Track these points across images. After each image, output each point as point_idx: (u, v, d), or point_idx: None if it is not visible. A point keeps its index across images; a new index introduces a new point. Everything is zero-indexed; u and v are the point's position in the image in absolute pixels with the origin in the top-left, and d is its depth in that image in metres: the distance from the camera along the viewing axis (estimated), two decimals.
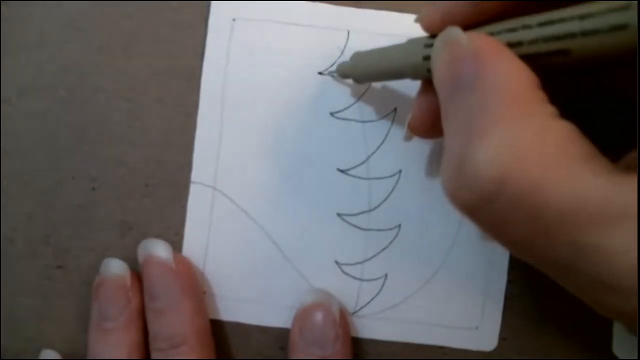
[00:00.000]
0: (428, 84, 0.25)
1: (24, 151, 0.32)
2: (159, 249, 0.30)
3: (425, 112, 0.26)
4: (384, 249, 0.31)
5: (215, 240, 0.31)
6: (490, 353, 0.31)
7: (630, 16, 0.17)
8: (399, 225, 0.31)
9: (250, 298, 0.31)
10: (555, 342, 0.31)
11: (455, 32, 0.21)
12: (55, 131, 0.32)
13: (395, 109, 0.31)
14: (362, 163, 0.31)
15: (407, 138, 0.27)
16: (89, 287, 0.31)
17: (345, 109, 0.31)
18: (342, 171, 0.31)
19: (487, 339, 0.31)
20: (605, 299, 0.18)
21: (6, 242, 0.32)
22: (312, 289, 0.31)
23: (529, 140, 0.18)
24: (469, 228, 0.31)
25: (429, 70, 0.24)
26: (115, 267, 0.31)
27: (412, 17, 0.30)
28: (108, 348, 0.29)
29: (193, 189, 0.31)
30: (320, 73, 0.31)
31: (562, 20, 0.19)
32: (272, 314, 0.31)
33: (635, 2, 0.17)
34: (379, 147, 0.31)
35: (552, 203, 0.17)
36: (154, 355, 0.29)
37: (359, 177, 0.31)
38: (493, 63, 0.19)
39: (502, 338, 0.31)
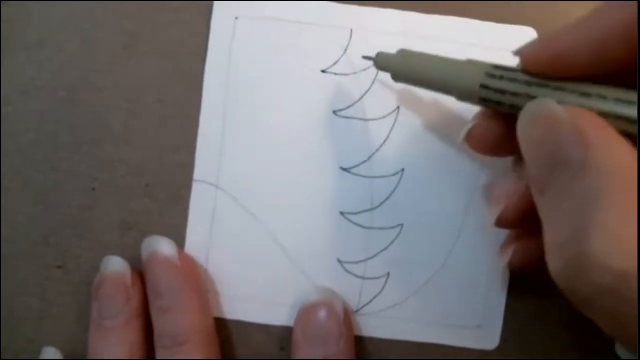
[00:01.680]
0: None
1: (24, 151, 0.32)
2: (163, 246, 0.30)
3: (489, 134, 0.26)
4: (386, 248, 0.31)
5: (217, 238, 0.31)
6: (491, 352, 0.31)
7: None
8: (402, 224, 0.31)
9: (253, 296, 0.31)
10: (557, 342, 0.32)
11: (552, 106, 0.20)
12: (55, 131, 0.32)
13: (397, 108, 0.31)
14: (365, 161, 0.31)
15: (460, 142, 0.26)
16: (89, 287, 0.31)
17: (347, 107, 0.31)
18: (344, 169, 0.31)
19: (488, 337, 0.31)
20: None
21: (6, 242, 0.32)
22: (315, 287, 0.31)
23: None
24: (471, 227, 0.31)
25: (481, 100, 0.23)
26: (116, 265, 0.30)
27: (415, 15, 0.31)
28: (108, 347, 0.29)
29: (195, 187, 0.31)
30: (323, 71, 0.31)
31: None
32: (275, 312, 0.31)
33: None
34: (381, 145, 0.31)
35: None
36: (158, 352, 0.29)
37: (362, 176, 0.31)
38: (602, 145, 0.19)
39: (503, 339, 0.31)
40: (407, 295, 0.31)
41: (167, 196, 0.32)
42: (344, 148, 0.31)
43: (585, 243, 0.18)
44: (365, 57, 0.29)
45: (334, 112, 0.31)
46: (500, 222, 0.26)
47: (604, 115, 0.19)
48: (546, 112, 0.20)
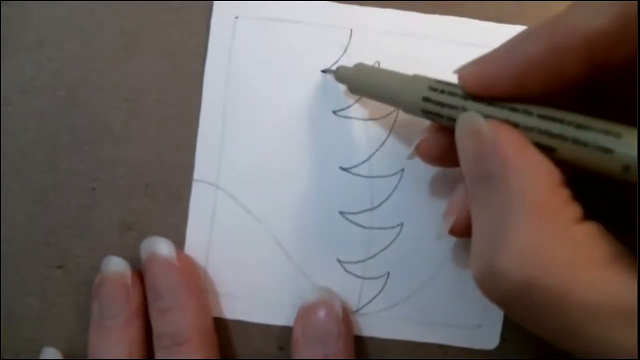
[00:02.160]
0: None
1: (24, 151, 0.32)
2: (162, 247, 0.30)
3: (437, 145, 0.27)
4: (386, 248, 0.31)
5: (217, 238, 0.31)
6: (491, 352, 0.31)
7: (618, 144, 0.18)
8: (401, 224, 0.31)
9: (252, 296, 0.31)
10: None
11: (477, 120, 0.22)
12: (55, 131, 0.32)
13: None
14: (365, 161, 0.31)
15: (411, 157, 0.28)
16: (89, 287, 0.31)
17: (347, 107, 0.31)
18: (344, 169, 0.31)
19: (489, 337, 0.31)
20: None
21: (6, 242, 0.32)
22: (315, 287, 0.31)
23: (551, 248, 0.19)
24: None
25: (423, 112, 0.25)
26: (116, 265, 0.30)
27: (415, 15, 0.31)
28: (109, 347, 0.29)
29: (195, 187, 0.31)
30: (323, 71, 0.31)
31: (561, 121, 0.20)
32: (274, 312, 0.31)
33: (629, 137, 0.18)
34: (381, 145, 0.31)
35: (575, 306, 0.18)
36: (157, 353, 0.29)
37: (361, 176, 0.31)
38: (516, 162, 0.20)
39: (503, 339, 0.31)
40: (407, 295, 0.31)
41: (167, 196, 0.32)
42: (344, 148, 0.31)
43: (494, 256, 0.20)
44: (325, 71, 0.31)
45: (334, 112, 0.31)
46: (453, 232, 0.27)
47: (529, 129, 0.21)
48: (473, 126, 0.22)
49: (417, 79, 0.25)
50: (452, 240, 0.31)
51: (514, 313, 0.21)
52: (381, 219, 0.31)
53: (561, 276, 0.18)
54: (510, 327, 0.31)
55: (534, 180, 0.20)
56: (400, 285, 0.31)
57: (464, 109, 0.23)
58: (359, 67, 0.29)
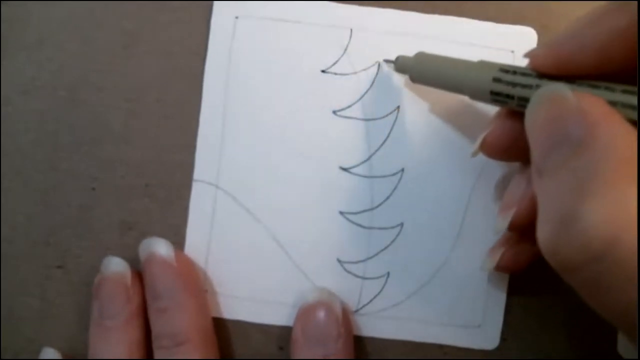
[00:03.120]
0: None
1: (24, 151, 0.32)
2: (161, 248, 0.30)
3: (505, 135, 0.26)
4: (386, 248, 0.31)
5: (217, 238, 0.31)
6: (491, 352, 0.31)
7: None
8: (402, 224, 0.31)
9: (252, 296, 0.31)
10: (557, 341, 0.32)
11: (562, 88, 0.21)
12: (55, 131, 0.32)
13: (397, 107, 0.31)
14: (365, 161, 0.31)
15: (475, 154, 0.27)
16: (89, 287, 0.31)
17: (347, 107, 0.31)
18: (344, 169, 0.31)
19: (489, 337, 0.31)
20: None
21: (6, 242, 0.32)
22: (314, 288, 0.31)
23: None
24: (471, 226, 0.31)
25: (492, 94, 0.24)
26: (116, 265, 0.30)
27: (415, 15, 0.31)
28: (109, 346, 0.29)
29: (195, 187, 0.31)
30: (323, 71, 0.31)
31: None
32: (274, 312, 0.31)
33: None
34: (381, 145, 0.31)
35: None
36: (156, 353, 0.29)
37: (362, 176, 0.31)
38: (604, 125, 0.19)
39: (503, 338, 0.31)
40: (407, 295, 0.31)
41: (167, 196, 0.32)
42: (344, 148, 0.31)
43: (578, 210, 0.19)
44: (386, 61, 0.31)
45: (334, 112, 0.31)
46: (513, 226, 0.27)
47: (612, 104, 0.20)
48: (555, 94, 0.21)
49: (484, 63, 0.25)
50: (452, 240, 0.31)
51: (583, 279, 0.19)
52: (381, 219, 0.31)
53: None
54: (510, 327, 0.31)
55: (625, 140, 0.19)
56: (401, 285, 0.31)
57: (538, 87, 0.22)
58: (420, 55, 0.29)
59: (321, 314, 0.30)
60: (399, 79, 0.31)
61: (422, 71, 0.28)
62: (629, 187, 0.18)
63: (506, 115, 0.26)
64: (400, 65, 0.30)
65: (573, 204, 0.19)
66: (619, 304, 0.19)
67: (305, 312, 0.30)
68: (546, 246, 0.20)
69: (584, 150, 0.19)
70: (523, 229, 0.27)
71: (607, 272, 0.18)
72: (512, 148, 0.27)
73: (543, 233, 0.20)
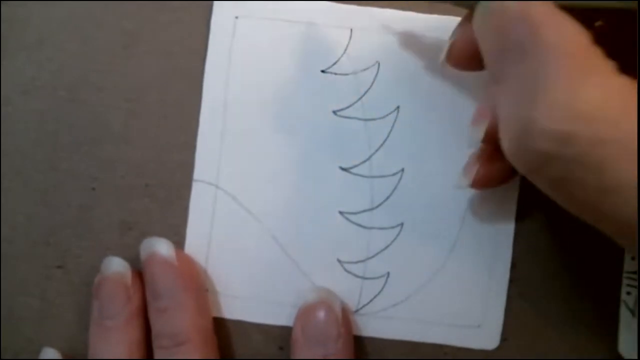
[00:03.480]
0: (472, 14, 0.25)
1: (24, 151, 0.32)
2: (161, 247, 0.30)
3: (467, 44, 0.26)
4: (386, 247, 0.31)
5: (217, 238, 0.31)
6: (491, 352, 0.31)
7: None
8: (402, 224, 0.31)
9: (252, 296, 0.31)
10: (557, 341, 0.31)
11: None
12: (55, 131, 0.32)
13: (397, 107, 0.31)
14: (365, 161, 0.31)
15: (442, 64, 0.27)
16: (89, 287, 0.31)
17: (348, 107, 0.31)
18: (344, 169, 0.31)
19: (489, 337, 0.31)
20: None
21: (6, 242, 0.32)
22: (314, 287, 0.31)
23: (592, 100, 0.18)
24: (471, 226, 0.31)
25: None
26: (116, 265, 0.30)
27: (415, 14, 0.31)
28: (109, 346, 0.29)
29: (195, 187, 0.31)
30: (323, 71, 0.31)
31: None
32: (274, 312, 0.31)
33: None
34: (381, 145, 0.31)
35: (618, 157, 0.18)
36: (156, 353, 0.29)
37: (362, 175, 0.31)
38: (546, 25, 0.19)
39: (503, 338, 0.31)
40: (407, 295, 0.31)
41: (167, 196, 0.32)
42: (344, 148, 0.31)
43: (531, 111, 0.19)
44: None
45: (334, 112, 0.31)
46: (488, 137, 0.26)
47: (560, 7, 0.20)
48: (497, 4, 0.21)
49: None
50: (452, 240, 0.31)
51: (546, 177, 0.20)
52: (381, 219, 0.31)
53: (601, 127, 0.18)
54: (510, 327, 0.31)
55: (571, 35, 0.19)
56: (400, 285, 0.31)
57: None
58: None
59: (321, 314, 0.30)
60: (399, 78, 0.31)
61: None
62: (580, 80, 0.18)
63: (466, 23, 0.26)
64: None
65: (527, 108, 0.19)
66: (583, 196, 0.19)
67: (306, 312, 0.30)
68: (509, 154, 0.21)
69: (530, 54, 0.20)
70: (497, 141, 0.27)
71: (567, 168, 0.19)
72: (477, 56, 0.26)
73: (505, 142, 0.21)
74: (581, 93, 0.18)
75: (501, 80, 0.21)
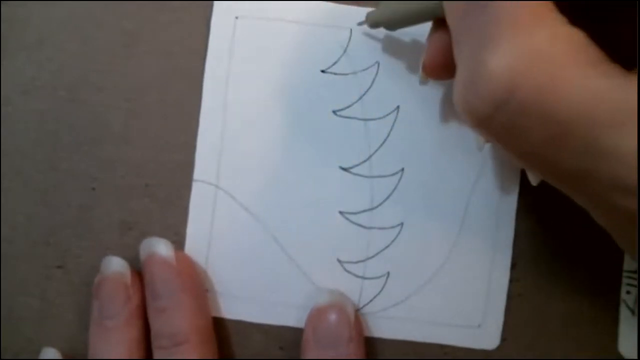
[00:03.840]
0: (439, 22, 0.25)
1: (24, 151, 0.32)
2: (161, 247, 0.30)
3: (438, 51, 0.26)
4: (386, 247, 0.31)
5: (217, 238, 0.31)
6: (491, 352, 0.31)
7: None
8: (402, 224, 0.31)
9: (252, 296, 0.31)
10: (557, 341, 0.32)
11: None
12: (55, 131, 0.32)
13: (397, 107, 0.31)
14: (365, 161, 0.31)
15: (422, 81, 0.27)
16: (89, 287, 0.31)
17: (347, 107, 0.31)
18: (344, 169, 0.31)
19: (489, 337, 0.31)
20: (618, 201, 0.18)
21: (6, 242, 0.32)
22: (327, 289, 0.31)
23: (539, 45, 0.18)
24: (471, 226, 0.31)
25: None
26: (116, 265, 0.30)
27: None
28: (109, 346, 0.29)
29: (195, 187, 0.31)
30: (323, 71, 0.31)
31: None
32: (274, 312, 0.31)
33: None
34: (381, 145, 0.31)
35: (564, 105, 0.18)
36: (156, 353, 0.29)
37: (362, 175, 0.31)
38: None
39: (503, 338, 0.31)
40: (407, 295, 0.31)
41: (167, 196, 0.32)
42: (344, 148, 0.31)
43: (480, 60, 0.19)
44: (359, 24, 0.30)
45: (334, 112, 0.31)
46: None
47: None
48: None
49: None
50: (452, 240, 0.31)
51: (495, 128, 0.20)
52: (381, 219, 0.31)
53: (549, 70, 0.18)
54: (510, 327, 0.31)
55: None
56: (401, 285, 0.31)
57: None
58: (383, 2, 0.28)
59: (333, 316, 0.30)
60: (399, 78, 0.31)
61: (388, 15, 0.28)
62: (530, 30, 0.18)
63: (434, 32, 0.26)
64: (371, 20, 0.29)
65: (477, 57, 0.19)
66: (530, 145, 0.19)
67: (317, 314, 0.30)
68: (458, 104, 0.21)
69: (486, 8, 0.20)
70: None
71: (515, 116, 0.19)
72: (450, 63, 0.26)
73: (455, 93, 0.21)
74: (526, 40, 0.18)
75: (461, 38, 0.21)
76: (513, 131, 0.19)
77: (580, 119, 0.18)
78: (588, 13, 0.22)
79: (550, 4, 0.19)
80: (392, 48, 0.31)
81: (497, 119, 0.19)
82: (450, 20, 0.22)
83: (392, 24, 0.28)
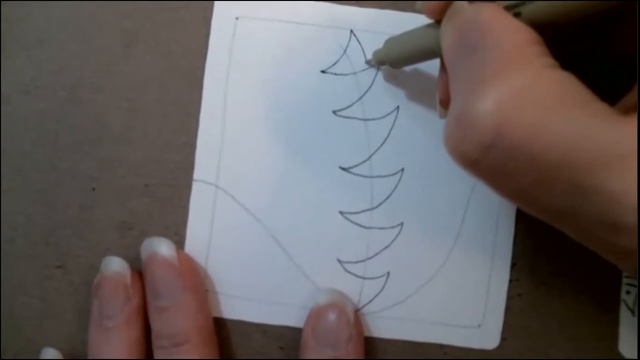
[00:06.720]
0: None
1: (24, 151, 0.32)
2: (162, 247, 0.30)
3: (447, 87, 0.26)
4: (386, 247, 0.31)
5: (217, 238, 0.31)
6: (491, 352, 0.31)
7: None
8: (402, 224, 0.31)
9: (253, 296, 0.31)
10: (557, 341, 0.32)
11: (460, 4, 0.22)
12: (55, 131, 0.32)
13: (397, 107, 0.31)
14: (365, 161, 0.31)
15: (442, 115, 0.27)
16: (89, 287, 0.31)
17: (347, 107, 0.31)
18: (344, 169, 0.31)
19: (489, 337, 0.31)
20: (609, 239, 0.18)
21: (6, 242, 0.32)
22: (326, 289, 0.31)
23: (523, 88, 0.19)
24: (472, 226, 0.31)
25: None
26: (116, 265, 0.30)
27: (414, 16, 0.31)
28: (108, 346, 0.29)
29: (195, 187, 0.31)
30: (323, 71, 0.31)
31: None
32: (274, 312, 0.31)
33: None
34: (381, 145, 0.31)
35: (550, 147, 0.18)
36: (156, 353, 0.29)
37: (362, 175, 0.31)
38: (492, 26, 0.20)
39: (503, 338, 0.31)
40: (407, 295, 0.31)
41: (167, 196, 0.32)
42: (344, 148, 0.31)
43: (468, 104, 0.19)
44: (367, 62, 0.31)
45: (334, 112, 0.31)
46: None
47: (507, 8, 0.21)
48: (455, 7, 0.22)
49: (429, 25, 0.26)
50: (452, 240, 0.31)
51: (483, 170, 0.20)
52: (381, 218, 0.31)
53: (533, 114, 0.18)
54: (510, 327, 0.31)
55: (511, 35, 0.20)
56: (401, 285, 0.31)
57: None
58: (388, 41, 0.29)
59: (332, 316, 0.30)
60: (398, 79, 0.31)
61: (394, 55, 0.28)
62: (515, 74, 0.19)
63: (443, 70, 0.26)
64: (377, 58, 0.30)
65: (465, 100, 0.20)
66: (518, 186, 0.19)
67: (317, 314, 0.30)
68: (448, 145, 0.21)
69: (476, 52, 0.20)
70: None
71: (502, 159, 0.19)
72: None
73: (445, 134, 0.21)
74: (512, 85, 0.19)
75: (454, 78, 0.22)
76: (501, 173, 0.20)
77: (565, 160, 0.18)
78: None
79: (539, 49, 0.20)
80: None
81: (485, 162, 0.20)
82: (445, 61, 0.23)
83: (397, 63, 0.29)
